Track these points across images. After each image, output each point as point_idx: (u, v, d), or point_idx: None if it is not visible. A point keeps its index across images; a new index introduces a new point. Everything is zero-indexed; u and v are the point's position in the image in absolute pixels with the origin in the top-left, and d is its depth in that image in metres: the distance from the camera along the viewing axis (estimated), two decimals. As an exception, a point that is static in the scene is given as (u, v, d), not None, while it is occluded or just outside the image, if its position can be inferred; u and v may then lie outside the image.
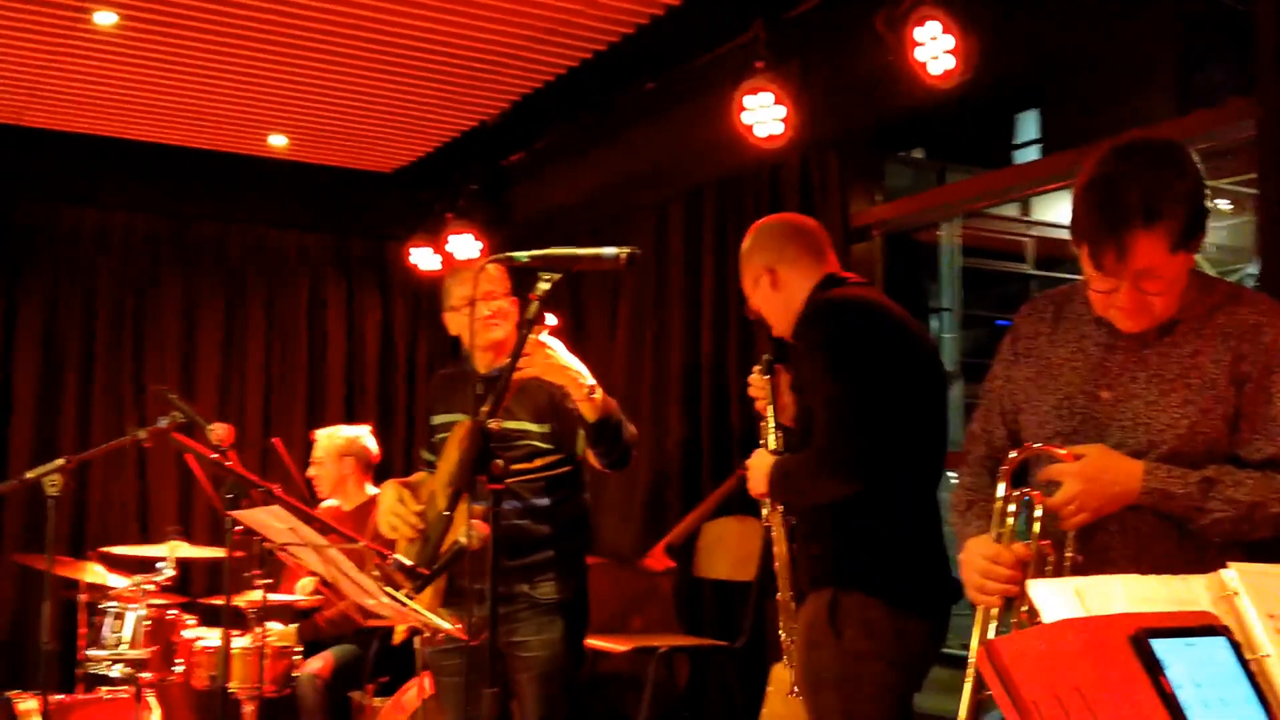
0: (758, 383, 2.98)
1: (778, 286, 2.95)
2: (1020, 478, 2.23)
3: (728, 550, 4.81)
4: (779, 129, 4.39)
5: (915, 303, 3.00)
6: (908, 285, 2.86)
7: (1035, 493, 2.17)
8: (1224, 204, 8.65)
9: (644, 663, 4.58)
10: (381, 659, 4.60)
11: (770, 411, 2.93)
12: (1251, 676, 1.75)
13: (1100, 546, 2.16)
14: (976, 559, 2.20)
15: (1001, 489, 2.20)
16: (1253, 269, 10.57)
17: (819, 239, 3.00)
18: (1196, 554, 2.11)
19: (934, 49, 3.81)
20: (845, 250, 4.33)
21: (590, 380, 3.06)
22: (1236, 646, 1.78)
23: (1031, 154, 13.23)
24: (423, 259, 6.51)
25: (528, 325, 2.45)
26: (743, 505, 4.77)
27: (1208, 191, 2.13)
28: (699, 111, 4.98)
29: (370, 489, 5.18)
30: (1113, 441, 2.19)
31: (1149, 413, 2.18)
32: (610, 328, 5.74)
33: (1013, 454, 2.21)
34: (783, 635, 2.88)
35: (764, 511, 2.94)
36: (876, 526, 2.73)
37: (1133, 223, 2.05)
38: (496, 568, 2.32)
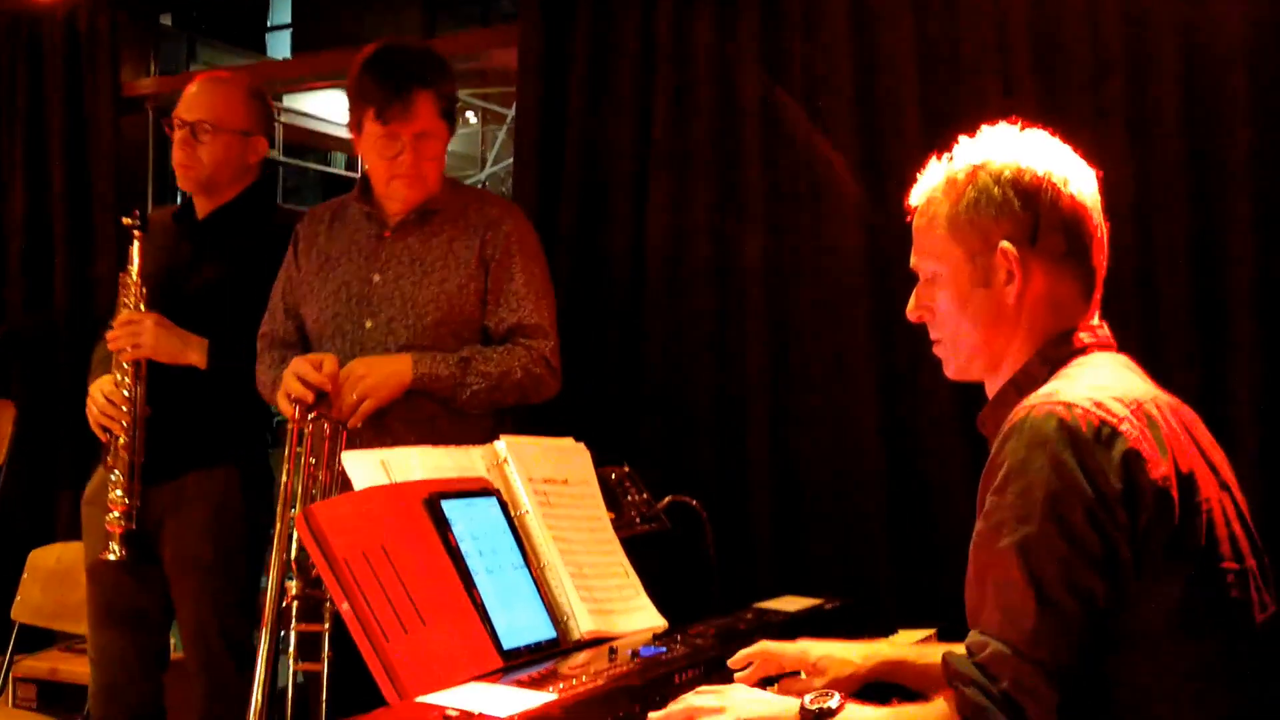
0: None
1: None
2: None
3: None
4: (51, -18, 4.06)
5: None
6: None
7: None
8: (473, 117, 9.43)
9: None
10: None
11: (135, 270, 2.83)
12: (515, 529, 2.12)
13: (385, 428, 2.51)
14: (292, 371, 2.47)
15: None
16: (483, 175, 11.70)
17: None
18: (459, 424, 2.53)
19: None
20: (116, 123, 4.14)
21: None
22: (505, 505, 2.14)
23: (283, 38, 13.23)
24: None
25: None
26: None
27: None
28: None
29: None
30: (384, 318, 2.58)
31: (414, 292, 2.59)
32: None
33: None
34: (122, 506, 2.77)
35: (121, 374, 2.79)
36: (264, 409, 2.83)
37: (415, 83, 2.53)
38: None
